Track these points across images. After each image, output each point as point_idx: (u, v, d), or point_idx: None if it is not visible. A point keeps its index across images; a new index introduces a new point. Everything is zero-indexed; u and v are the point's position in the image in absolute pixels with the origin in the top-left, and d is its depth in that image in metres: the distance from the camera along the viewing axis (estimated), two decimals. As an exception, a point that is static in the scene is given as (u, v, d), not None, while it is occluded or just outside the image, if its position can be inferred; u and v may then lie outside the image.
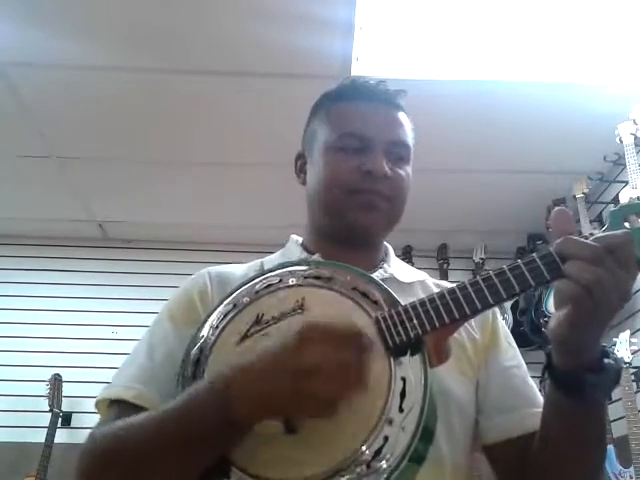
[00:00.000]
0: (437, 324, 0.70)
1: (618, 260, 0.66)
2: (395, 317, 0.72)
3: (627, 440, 2.23)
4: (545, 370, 0.76)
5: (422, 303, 0.72)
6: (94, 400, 0.88)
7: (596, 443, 0.80)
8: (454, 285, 0.73)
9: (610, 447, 2.36)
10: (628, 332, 2.41)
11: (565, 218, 0.72)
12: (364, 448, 0.65)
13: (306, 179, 1.02)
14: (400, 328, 0.71)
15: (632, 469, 2.23)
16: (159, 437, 0.71)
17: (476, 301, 0.70)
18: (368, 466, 0.64)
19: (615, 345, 2.38)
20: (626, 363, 2.31)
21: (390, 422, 0.66)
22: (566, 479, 0.82)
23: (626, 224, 0.72)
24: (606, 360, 0.73)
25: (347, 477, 0.64)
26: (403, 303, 0.74)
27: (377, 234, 0.98)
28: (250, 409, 0.66)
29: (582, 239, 0.68)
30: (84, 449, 0.77)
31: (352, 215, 0.94)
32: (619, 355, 2.33)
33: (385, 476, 0.64)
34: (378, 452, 0.65)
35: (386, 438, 0.65)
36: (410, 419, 0.66)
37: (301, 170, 1.04)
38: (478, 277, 0.72)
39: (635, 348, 2.34)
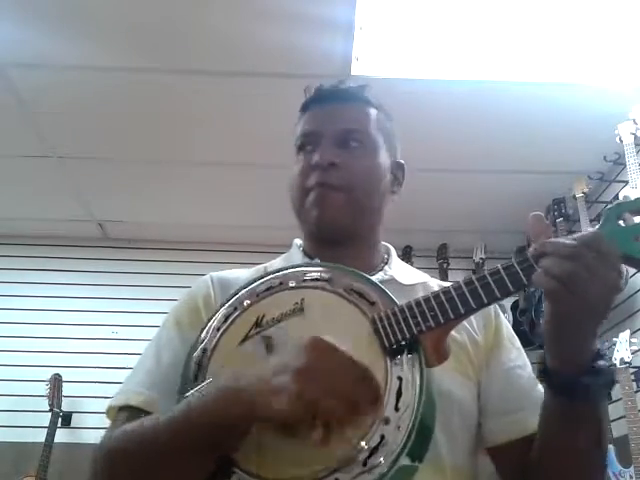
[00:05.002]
0: (433, 323, 0.71)
1: (599, 255, 0.67)
2: (391, 317, 0.72)
3: (627, 440, 2.23)
4: (540, 373, 0.77)
5: (418, 303, 0.72)
6: (100, 405, 0.89)
7: (593, 445, 0.79)
8: (449, 285, 0.73)
9: (610, 447, 2.36)
10: (628, 332, 2.41)
11: (541, 223, 0.74)
12: (360, 446, 0.66)
13: None
14: (396, 328, 0.71)
15: (632, 469, 2.23)
16: (164, 441, 0.71)
17: (470, 301, 0.71)
18: (364, 464, 0.65)
19: (615, 345, 2.38)
20: (626, 363, 2.31)
21: (386, 421, 0.66)
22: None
23: (620, 222, 0.72)
24: (600, 362, 0.73)
25: (345, 475, 0.65)
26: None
27: (345, 228, 0.94)
28: (259, 412, 0.66)
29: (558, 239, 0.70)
30: (93, 458, 0.78)
31: (308, 214, 0.94)
32: (619, 355, 2.33)
33: (382, 472, 0.64)
34: (375, 450, 0.65)
35: (382, 437, 0.66)
36: (406, 417, 0.66)
37: None
38: (472, 276, 0.73)
39: (635, 348, 2.34)
